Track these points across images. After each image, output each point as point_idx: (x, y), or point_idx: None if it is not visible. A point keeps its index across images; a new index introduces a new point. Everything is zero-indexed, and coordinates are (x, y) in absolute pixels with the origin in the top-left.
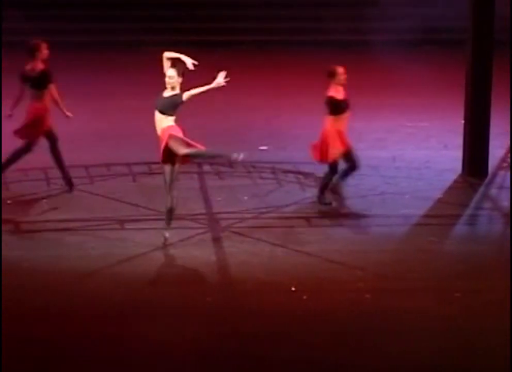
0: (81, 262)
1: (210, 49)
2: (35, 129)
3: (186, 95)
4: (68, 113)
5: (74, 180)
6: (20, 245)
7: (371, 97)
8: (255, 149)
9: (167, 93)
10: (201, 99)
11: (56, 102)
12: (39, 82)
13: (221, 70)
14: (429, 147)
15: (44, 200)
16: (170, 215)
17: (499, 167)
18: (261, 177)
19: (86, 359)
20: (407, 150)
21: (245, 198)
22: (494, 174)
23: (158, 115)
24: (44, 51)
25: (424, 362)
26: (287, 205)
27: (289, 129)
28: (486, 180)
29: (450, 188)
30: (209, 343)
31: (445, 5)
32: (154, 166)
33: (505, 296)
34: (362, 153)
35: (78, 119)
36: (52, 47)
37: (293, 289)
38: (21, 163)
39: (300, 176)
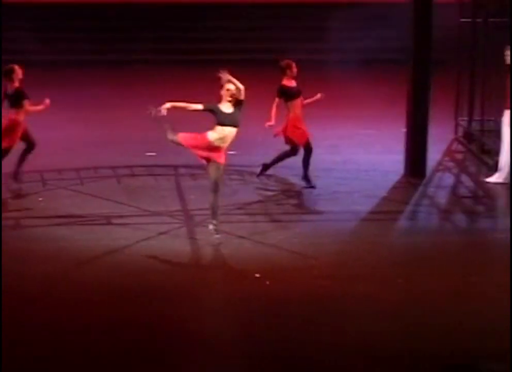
0: (72, 253)
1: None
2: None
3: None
4: (46, 102)
5: (67, 181)
6: (20, 237)
7: (326, 109)
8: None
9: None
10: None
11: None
12: (15, 100)
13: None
14: (376, 152)
15: (40, 199)
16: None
17: (436, 169)
18: (230, 179)
19: (80, 339)
20: (357, 154)
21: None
22: (432, 176)
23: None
24: (19, 73)
25: (372, 342)
26: (252, 203)
27: (254, 137)
28: (425, 180)
29: (394, 187)
30: (185, 323)
31: (391, 29)
32: (136, 169)
33: (441, 283)
34: (318, 157)
35: (70, 127)
36: (46, 65)
37: (257, 275)
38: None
39: (263, 177)
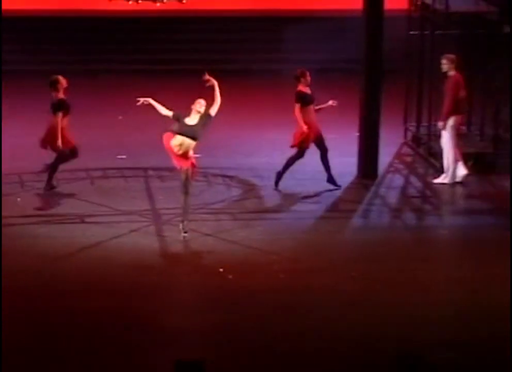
0: (49, 249)
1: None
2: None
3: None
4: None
5: (44, 183)
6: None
7: (286, 114)
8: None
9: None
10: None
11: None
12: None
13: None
14: (331, 155)
15: (18, 199)
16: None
17: (387, 171)
18: (194, 180)
19: (54, 325)
20: (314, 157)
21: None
22: (383, 177)
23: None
24: (63, 83)
25: (327, 330)
26: (215, 203)
27: (217, 141)
28: (377, 181)
29: (348, 188)
30: (154, 314)
31: (345, 41)
32: (108, 171)
33: (391, 275)
34: (277, 160)
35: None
36: (25, 74)
37: (221, 270)
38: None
39: (226, 178)
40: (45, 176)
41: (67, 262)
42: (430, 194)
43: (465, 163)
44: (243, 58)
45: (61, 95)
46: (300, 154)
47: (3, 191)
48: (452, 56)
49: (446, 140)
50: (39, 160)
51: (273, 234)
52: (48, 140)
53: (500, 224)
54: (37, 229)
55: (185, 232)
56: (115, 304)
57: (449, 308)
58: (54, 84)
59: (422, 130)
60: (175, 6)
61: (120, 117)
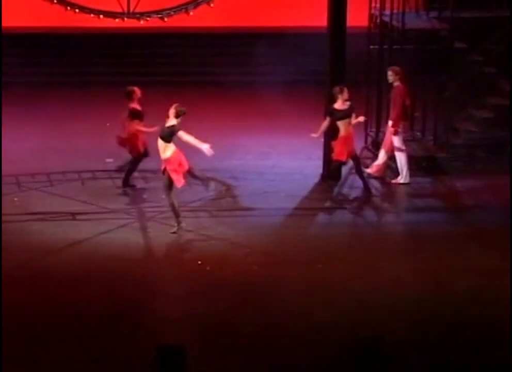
0: (43, 244)
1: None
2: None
3: (180, 132)
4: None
5: (38, 184)
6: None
7: (258, 121)
8: None
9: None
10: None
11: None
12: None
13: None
14: (299, 158)
15: (15, 199)
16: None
17: (349, 173)
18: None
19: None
20: (283, 160)
21: (163, 196)
22: (346, 178)
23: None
24: (138, 93)
25: (293, 316)
26: (194, 201)
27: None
28: (340, 182)
29: (314, 188)
30: (138, 301)
31: (311, 55)
32: (97, 173)
33: (353, 267)
34: (251, 162)
35: (39, 138)
36: (22, 85)
37: (199, 262)
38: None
39: (204, 179)
40: (40, 178)
41: (60, 255)
42: (387, 193)
43: (420, 166)
44: (219, 70)
45: (135, 105)
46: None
47: (3, 192)
48: (397, 69)
49: (396, 143)
50: (35, 163)
51: (246, 229)
52: (126, 144)
53: (451, 220)
54: (32, 226)
55: (174, 232)
56: (103, 293)
57: (404, 295)
58: (130, 95)
59: (381, 136)
60: (157, 23)
61: (108, 124)
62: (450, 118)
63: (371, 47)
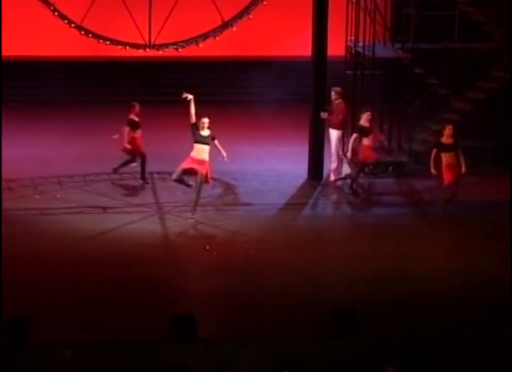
0: (79, 232)
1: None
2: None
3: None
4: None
5: (76, 183)
6: (43, 221)
7: (254, 133)
8: None
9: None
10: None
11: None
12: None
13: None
14: (288, 162)
15: (58, 196)
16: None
17: (329, 175)
18: (188, 181)
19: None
20: (275, 164)
21: (178, 193)
22: (327, 179)
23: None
24: (136, 109)
25: (281, 293)
26: (203, 198)
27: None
28: (322, 182)
29: (300, 187)
30: (156, 280)
31: (297, 78)
32: (124, 175)
33: (333, 252)
34: (248, 166)
35: (71, 148)
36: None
37: (207, 247)
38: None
39: (211, 180)
40: (77, 179)
41: (93, 241)
42: (362, 191)
43: (386, 169)
44: (221, 91)
45: (132, 116)
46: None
47: (45, 189)
48: (338, 89)
49: (333, 146)
50: (71, 167)
51: (245, 221)
52: (132, 149)
53: (412, 213)
54: (71, 217)
55: (192, 218)
56: (128, 272)
57: (374, 275)
58: (129, 108)
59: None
60: (172, 53)
61: (115, 136)
62: (412, 130)
63: (347, 72)
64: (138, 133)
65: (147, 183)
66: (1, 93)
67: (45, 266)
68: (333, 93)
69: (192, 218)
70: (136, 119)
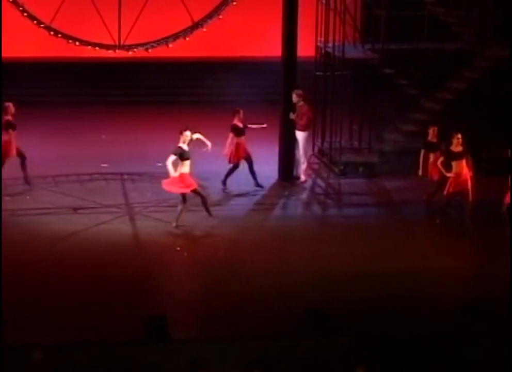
0: (50, 233)
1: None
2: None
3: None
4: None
5: (46, 185)
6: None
7: (223, 134)
8: (154, 165)
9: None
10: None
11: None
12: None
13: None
14: (260, 164)
15: (27, 197)
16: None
17: (299, 176)
18: (158, 182)
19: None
20: (246, 165)
21: (149, 194)
22: (297, 180)
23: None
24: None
25: (252, 292)
26: (174, 199)
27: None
28: (292, 183)
29: (271, 188)
30: (124, 279)
31: (268, 78)
32: (93, 176)
33: (302, 252)
34: (219, 167)
35: (44, 148)
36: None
37: (178, 248)
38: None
39: None
40: (47, 180)
41: (63, 242)
42: (332, 191)
43: (356, 170)
44: (190, 92)
45: (236, 122)
46: None
47: (15, 191)
48: (300, 91)
49: (301, 147)
50: (40, 169)
51: (216, 221)
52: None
53: (382, 213)
54: (41, 218)
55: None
56: (100, 272)
57: (344, 273)
58: (234, 113)
59: (325, 145)
60: (142, 54)
61: (103, 136)
62: (382, 130)
63: (317, 73)
64: (242, 139)
65: (262, 187)
66: (1, 94)
67: (15, 267)
68: (294, 95)
69: (175, 225)
70: (240, 125)
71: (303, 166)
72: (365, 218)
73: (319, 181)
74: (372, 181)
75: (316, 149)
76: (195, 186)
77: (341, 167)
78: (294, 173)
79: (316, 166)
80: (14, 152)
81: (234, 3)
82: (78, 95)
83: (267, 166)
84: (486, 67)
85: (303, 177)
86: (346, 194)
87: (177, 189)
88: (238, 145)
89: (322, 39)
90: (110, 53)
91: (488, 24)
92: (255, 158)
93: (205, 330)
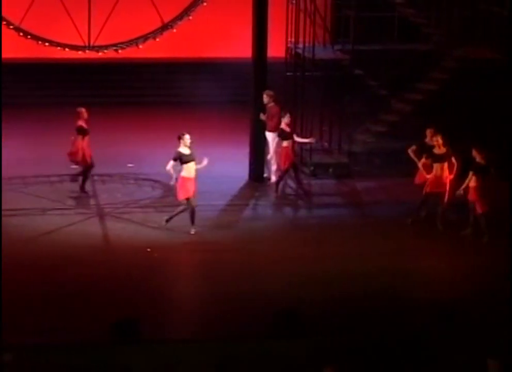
0: (19, 234)
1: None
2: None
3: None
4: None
5: (15, 186)
6: None
7: (193, 135)
8: (125, 166)
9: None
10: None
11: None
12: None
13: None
14: (229, 165)
15: None
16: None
17: (269, 176)
18: (128, 183)
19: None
20: (216, 166)
21: (119, 195)
22: (267, 181)
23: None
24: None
25: (225, 290)
26: (143, 199)
27: (145, 155)
28: (263, 184)
29: (242, 188)
30: (92, 281)
31: (238, 80)
32: (63, 177)
33: (273, 252)
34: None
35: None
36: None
37: (148, 249)
38: None
39: (151, 182)
40: (16, 181)
41: (32, 243)
42: (302, 192)
43: (326, 170)
44: (161, 93)
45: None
46: None
47: None
48: (270, 93)
49: (272, 147)
50: (11, 170)
51: (186, 222)
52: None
53: (353, 213)
54: (10, 219)
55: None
56: (69, 274)
57: (316, 274)
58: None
59: (296, 146)
60: (112, 55)
61: (72, 137)
62: (352, 131)
63: (288, 74)
64: (289, 143)
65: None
66: (1, 94)
67: None
68: (265, 96)
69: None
70: (287, 129)
71: (273, 167)
72: (336, 219)
73: (289, 182)
74: (342, 182)
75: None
76: (188, 195)
77: (312, 168)
78: (265, 174)
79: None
80: (84, 158)
81: (204, 4)
82: (47, 96)
83: (237, 167)
84: (455, 68)
85: (273, 178)
86: (316, 194)
87: (176, 194)
88: (285, 150)
89: (292, 39)
90: (80, 54)
91: (456, 25)
92: (225, 159)
93: (175, 331)
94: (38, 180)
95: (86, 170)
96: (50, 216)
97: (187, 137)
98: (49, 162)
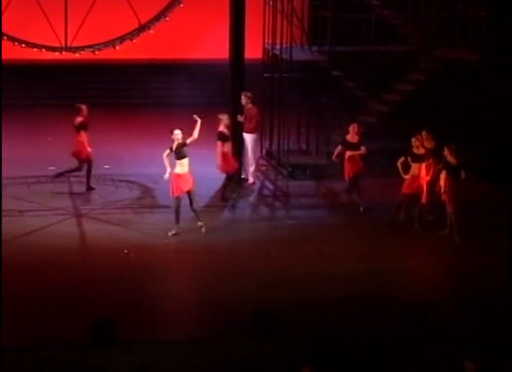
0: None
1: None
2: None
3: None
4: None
5: None
6: None
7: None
8: (102, 167)
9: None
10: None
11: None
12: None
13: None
14: (207, 166)
15: None
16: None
17: (247, 178)
18: (105, 184)
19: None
20: (194, 167)
21: (97, 197)
22: (245, 182)
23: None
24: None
25: (205, 293)
26: (121, 200)
27: (122, 156)
28: (240, 185)
29: (219, 189)
30: (70, 284)
31: (215, 81)
32: (41, 178)
33: (253, 252)
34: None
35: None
36: None
37: (126, 251)
38: None
39: (129, 183)
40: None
41: (9, 245)
42: (280, 193)
43: (304, 171)
44: (138, 94)
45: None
46: None
47: None
48: (248, 94)
49: (249, 149)
50: None
51: (164, 223)
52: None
53: (330, 215)
54: None
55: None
56: (46, 275)
57: (293, 275)
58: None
59: (273, 147)
60: (89, 56)
61: (50, 138)
62: (329, 132)
63: (265, 75)
64: (354, 153)
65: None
66: (1, 94)
67: None
68: (243, 97)
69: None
70: (353, 140)
71: (251, 168)
72: (313, 220)
73: (267, 183)
74: (320, 183)
75: (264, 151)
76: (179, 193)
77: (290, 169)
78: (243, 175)
79: (264, 168)
80: (86, 153)
81: (181, 5)
82: (23, 97)
83: (215, 168)
84: (433, 69)
85: (251, 180)
86: (294, 195)
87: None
88: (352, 159)
89: (270, 40)
90: (56, 56)
91: (434, 26)
92: (203, 161)
93: (152, 333)
94: (15, 181)
95: (90, 166)
96: (26, 218)
97: (176, 132)
98: (24, 163)
